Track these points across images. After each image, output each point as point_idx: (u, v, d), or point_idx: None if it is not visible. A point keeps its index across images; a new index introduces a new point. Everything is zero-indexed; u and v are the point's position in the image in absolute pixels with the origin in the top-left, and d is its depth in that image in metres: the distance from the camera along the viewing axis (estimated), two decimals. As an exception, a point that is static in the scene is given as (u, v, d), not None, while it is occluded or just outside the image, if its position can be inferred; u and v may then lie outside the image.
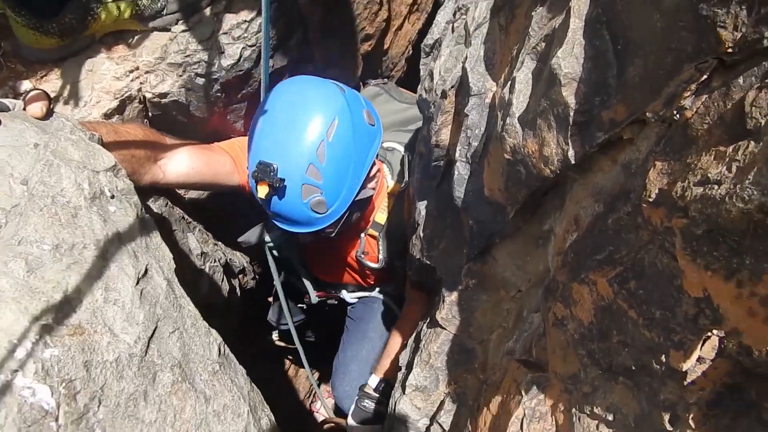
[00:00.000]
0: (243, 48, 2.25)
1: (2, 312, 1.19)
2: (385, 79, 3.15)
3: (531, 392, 1.25)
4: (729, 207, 0.58)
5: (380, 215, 2.62)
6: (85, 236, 1.36)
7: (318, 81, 2.23)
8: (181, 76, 2.22)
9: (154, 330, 1.43)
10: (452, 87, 1.42)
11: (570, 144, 0.91)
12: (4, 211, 1.31)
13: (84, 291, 1.32)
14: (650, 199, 0.74)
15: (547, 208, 1.25)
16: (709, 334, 0.67)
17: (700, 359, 0.70)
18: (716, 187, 0.61)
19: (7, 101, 1.48)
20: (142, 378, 1.38)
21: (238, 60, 2.26)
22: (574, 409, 1.07)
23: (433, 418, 1.93)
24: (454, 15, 1.46)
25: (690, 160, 0.68)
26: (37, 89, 1.53)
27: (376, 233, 2.63)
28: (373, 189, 2.46)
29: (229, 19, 2.22)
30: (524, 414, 1.23)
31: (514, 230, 1.47)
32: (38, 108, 1.48)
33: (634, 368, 0.84)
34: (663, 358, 0.74)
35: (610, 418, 0.96)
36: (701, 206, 0.62)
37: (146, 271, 1.45)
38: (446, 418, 1.84)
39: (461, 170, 1.38)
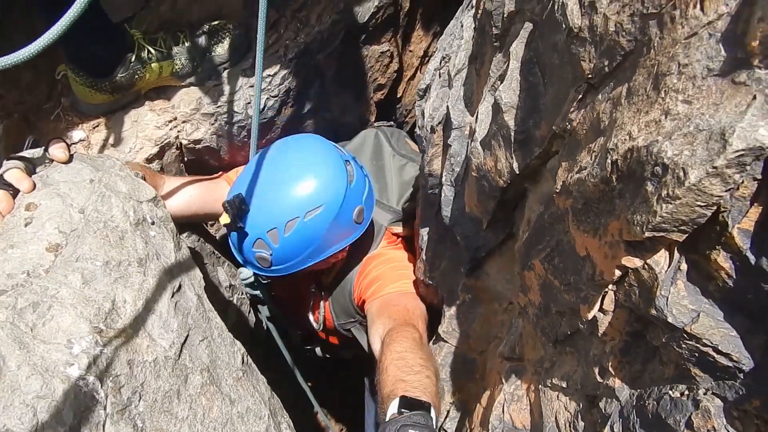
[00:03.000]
0: (267, 98, 2.54)
1: (62, 315, 1.43)
2: (391, 122, 3.15)
3: (510, 380, 1.42)
4: (588, 183, 0.79)
5: (326, 276, 2.63)
6: (130, 255, 1.61)
7: (334, 156, 2.20)
8: (213, 124, 2.52)
9: (186, 337, 1.65)
10: (439, 123, 1.66)
11: (514, 158, 1.13)
12: (65, 235, 1.57)
13: (128, 301, 1.55)
14: (557, 190, 0.95)
15: (517, 221, 1.45)
16: (607, 289, 0.87)
17: (604, 311, 0.89)
18: (584, 171, 0.82)
19: (28, 153, 1.70)
20: (176, 378, 1.60)
21: (263, 109, 2.56)
22: (540, 386, 1.25)
23: (440, 427, 2.08)
24: (440, 63, 1.71)
25: (577, 157, 0.89)
26: (58, 138, 1.74)
27: (319, 293, 2.64)
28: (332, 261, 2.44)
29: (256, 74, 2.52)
30: (505, 399, 1.40)
31: (498, 245, 1.66)
32: (62, 153, 1.70)
33: (569, 333, 1.02)
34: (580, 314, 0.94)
35: (564, 385, 1.14)
36: (578, 187, 0.84)
37: (180, 286, 1.69)
38: (451, 425, 2.00)
39: (447, 193, 1.60)
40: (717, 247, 0.70)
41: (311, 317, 2.70)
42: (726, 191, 0.65)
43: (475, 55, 1.56)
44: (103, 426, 1.42)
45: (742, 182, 0.65)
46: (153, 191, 1.77)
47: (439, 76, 1.72)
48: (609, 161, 0.77)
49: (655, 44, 0.73)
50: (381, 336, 2.01)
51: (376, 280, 2.38)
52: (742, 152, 0.62)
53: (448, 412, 2.07)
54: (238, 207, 2.08)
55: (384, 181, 2.67)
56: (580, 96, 0.92)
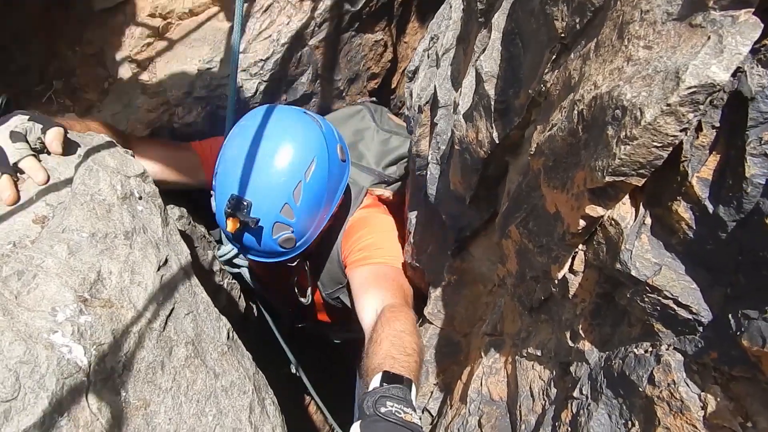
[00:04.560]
0: (259, 83, 2.56)
1: (47, 284, 1.45)
2: (374, 98, 3.13)
3: (489, 353, 1.44)
4: (557, 138, 0.81)
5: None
6: (116, 228, 1.62)
7: (297, 115, 2.19)
8: (204, 108, 2.53)
9: (172, 310, 1.66)
10: (427, 102, 1.68)
11: (494, 128, 1.15)
12: (52, 207, 1.59)
13: (114, 272, 1.57)
14: (532, 152, 0.96)
15: (500, 198, 1.47)
16: (577, 250, 0.88)
17: (574, 272, 0.91)
18: (554, 128, 0.84)
19: (21, 128, 1.64)
20: (160, 350, 1.61)
21: (254, 93, 2.57)
22: (517, 356, 1.27)
23: (424, 408, 2.10)
24: (429, 44, 1.73)
25: (550, 117, 0.91)
26: (58, 125, 1.71)
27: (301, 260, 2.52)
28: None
29: (248, 59, 2.54)
30: (483, 372, 1.42)
31: (483, 225, 1.68)
32: (58, 147, 1.67)
33: (543, 298, 1.04)
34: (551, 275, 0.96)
35: (539, 353, 1.16)
36: (549, 144, 0.85)
37: (166, 260, 1.70)
38: (434, 405, 2.01)
39: (433, 171, 1.62)
40: (678, 197, 0.72)
41: (298, 292, 2.62)
42: (680, 131, 0.67)
43: (462, 36, 1.58)
44: (86, 393, 1.43)
45: (701, 130, 0.66)
46: (141, 167, 1.79)
47: (428, 57, 1.73)
48: (576, 112, 0.79)
49: (622, -4, 0.75)
50: (376, 308, 2.03)
51: (367, 245, 2.33)
52: (694, 89, 0.64)
53: (432, 392, 2.08)
54: (242, 206, 2.02)
55: (364, 149, 2.67)
56: (554, 57, 0.93)
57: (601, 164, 0.74)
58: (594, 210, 0.80)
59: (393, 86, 3.54)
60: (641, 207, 0.77)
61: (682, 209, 0.71)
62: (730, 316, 0.66)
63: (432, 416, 2.07)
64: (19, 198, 1.58)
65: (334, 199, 2.26)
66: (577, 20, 0.85)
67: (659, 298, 0.75)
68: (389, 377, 1.58)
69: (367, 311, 2.07)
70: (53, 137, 1.66)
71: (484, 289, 1.85)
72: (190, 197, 2.66)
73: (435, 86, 1.60)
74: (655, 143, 0.68)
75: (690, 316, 0.73)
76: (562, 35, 0.89)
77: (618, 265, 0.78)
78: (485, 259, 1.79)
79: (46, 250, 1.49)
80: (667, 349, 0.78)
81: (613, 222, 0.79)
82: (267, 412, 1.89)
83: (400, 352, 1.72)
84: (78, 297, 1.47)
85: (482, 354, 1.44)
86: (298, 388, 3.58)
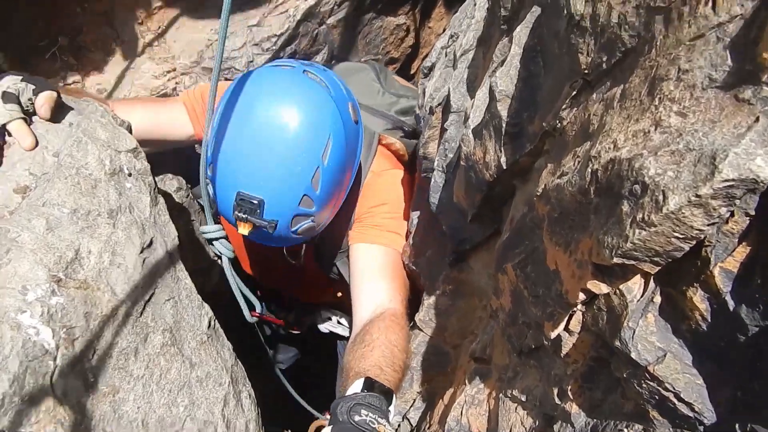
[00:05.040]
0: (269, 59, 2.45)
1: (20, 260, 1.38)
2: (377, 57, 2.84)
3: (474, 382, 1.37)
4: (565, 191, 0.71)
5: None
6: (100, 205, 1.54)
7: (301, 83, 1.79)
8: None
9: (152, 295, 1.60)
10: (439, 104, 1.58)
11: (503, 152, 1.05)
12: (35, 177, 1.51)
13: (93, 252, 1.50)
14: (538, 193, 0.87)
15: (504, 218, 1.38)
16: (575, 309, 0.80)
17: (570, 332, 0.82)
18: (565, 177, 0.74)
19: (13, 87, 1.55)
20: (135, 336, 1.55)
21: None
22: (501, 394, 1.19)
23: (404, 416, 2.04)
24: (448, 41, 1.62)
25: (563, 161, 0.81)
26: (52, 88, 1.61)
27: None
28: None
29: (262, 32, 2.43)
30: (465, 401, 1.35)
31: (485, 240, 1.59)
32: (47, 112, 1.57)
33: (533, 347, 0.96)
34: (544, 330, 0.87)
35: (524, 399, 1.08)
36: (556, 193, 0.76)
37: (151, 243, 1.63)
38: (415, 415, 1.95)
39: (437, 179, 1.52)
40: (695, 284, 0.62)
41: (288, 255, 2.31)
42: (709, 225, 0.57)
43: (484, 38, 1.47)
44: (51, 377, 1.37)
45: (732, 216, 0.57)
46: (134, 142, 1.70)
47: (445, 56, 1.63)
48: (590, 170, 0.69)
49: (658, 43, 0.65)
50: (376, 302, 1.93)
51: (382, 224, 2.10)
52: (732, 182, 0.54)
53: (414, 401, 2.02)
54: (254, 206, 1.77)
55: (370, 102, 2.33)
56: (574, 93, 0.83)
57: (610, 241, 0.65)
58: (597, 286, 0.71)
59: (412, 72, 3.43)
60: (652, 282, 0.68)
61: (698, 298, 0.62)
62: (737, 426, 0.58)
63: (411, 426, 2.01)
64: (1, 161, 1.51)
65: (352, 170, 1.98)
66: (605, 58, 0.75)
67: (659, 388, 0.66)
68: (370, 385, 1.53)
69: (366, 299, 1.98)
70: (44, 101, 1.58)
71: (480, 303, 1.78)
72: (190, 166, 2.57)
73: (449, 89, 1.50)
74: (676, 234, 0.59)
75: (691, 414, 0.65)
76: (586, 71, 0.79)
77: (617, 343, 0.69)
78: (484, 272, 1.71)
79: (23, 224, 1.42)
80: (661, 438, 0.70)
81: (618, 292, 0.70)
82: (242, 405, 1.83)
83: (388, 365, 1.67)
84: (51, 276, 1.40)
85: (467, 380, 1.36)
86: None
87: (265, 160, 1.75)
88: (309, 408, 3.00)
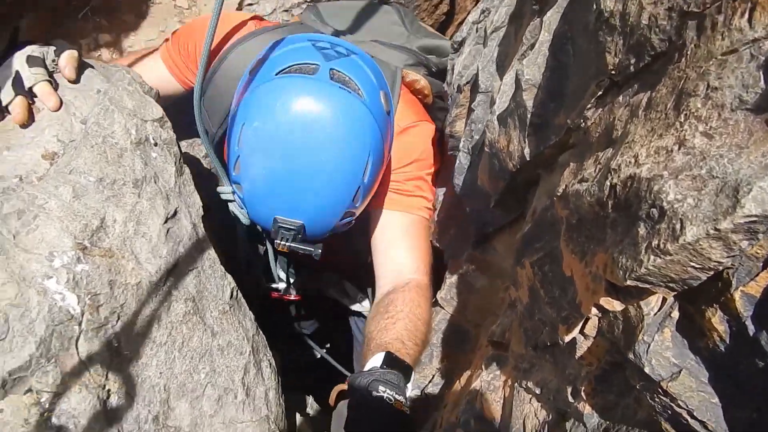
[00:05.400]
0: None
1: (47, 227, 1.40)
2: None
3: (490, 368, 1.36)
4: (584, 199, 0.68)
5: None
6: (126, 174, 1.56)
7: (338, 104, 1.62)
8: (243, 45, 2.41)
9: (175, 265, 1.62)
10: (467, 83, 1.53)
11: (527, 143, 1.01)
12: (63, 144, 1.53)
13: (118, 221, 1.52)
14: (558, 194, 0.84)
15: (529, 204, 1.35)
16: (590, 315, 0.77)
17: (585, 335, 0.80)
18: (585, 183, 0.71)
19: (38, 51, 1.56)
20: (158, 304, 1.58)
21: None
22: (516, 384, 1.18)
23: (422, 390, 2.06)
24: (480, 16, 1.56)
25: (585, 163, 0.78)
26: (72, 48, 1.61)
27: None
28: None
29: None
30: (480, 386, 1.35)
31: (509, 223, 1.56)
32: (72, 72, 1.58)
33: (549, 344, 0.94)
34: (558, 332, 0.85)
35: (538, 391, 1.07)
36: (575, 199, 0.73)
37: (175, 213, 1.64)
38: (433, 390, 1.97)
39: (462, 160, 1.49)
40: (714, 305, 0.59)
41: None
42: (728, 258, 0.54)
43: (516, 14, 1.41)
44: (76, 341, 1.41)
45: (758, 240, 0.53)
46: (160, 111, 1.70)
47: (476, 31, 1.57)
48: (609, 183, 0.65)
49: (689, 52, 0.60)
50: (400, 269, 1.87)
51: (411, 189, 1.96)
52: (755, 218, 0.50)
53: (433, 377, 2.03)
54: (294, 231, 1.70)
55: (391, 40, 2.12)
56: (601, 92, 0.79)
57: (624, 262, 0.62)
58: (610, 303, 0.68)
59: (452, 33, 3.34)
60: (671, 297, 0.65)
61: (717, 320, 0.59)
62: (752, 452, 0.56)
63: (428, 400, 2.03)
64: (30, 121, 1.52)
65: (388, 154, 1.85)
66: (632, 61, 0.70)
67: (672, 404, 0.64)
68: (390, 361, 1.52)
69: (389, 268, 1.92)
70: (67, 61, 1.59)
71: (502, 285, 1.76)
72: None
73: (478, 68, 1.45)
74: (693, 264, 0.56)
75: (704, 432, 0.63)
76: (613, 72, 0.74)
77: (631, 356, 0.67)
78: (508, 255, 1.69)
79: (50, 191, 1.45)
80: (672, 452, 0.68)
81: (635, 304, 0.68)
82: (262, 374, 1.87)
83: (410, 339, 1.65)
84: (77, 244, 1.43)
85: (483, 366, 1.36)
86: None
87: (303, 188, 1.67)
88: (336, 364, 3.03)
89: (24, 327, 1.33)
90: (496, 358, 1.35)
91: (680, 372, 0.63)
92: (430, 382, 2.01)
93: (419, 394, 2.11)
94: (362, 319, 2.73)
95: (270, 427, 1.86)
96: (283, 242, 1.69)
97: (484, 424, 1.29)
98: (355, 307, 2.71)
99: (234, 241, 2.30)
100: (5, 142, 1.49)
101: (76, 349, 1.42)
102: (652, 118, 0.64)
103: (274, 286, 2.55)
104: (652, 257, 0.58)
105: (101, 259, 1.47)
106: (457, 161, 1.52)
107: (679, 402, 0.63)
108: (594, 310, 0.71)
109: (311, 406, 2.72)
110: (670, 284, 0.59)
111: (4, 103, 1.49)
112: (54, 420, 1.39)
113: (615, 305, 0.68)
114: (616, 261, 0.63)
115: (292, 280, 2.56)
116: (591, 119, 0.81)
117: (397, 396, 1.40)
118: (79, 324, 1.42)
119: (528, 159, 1.03)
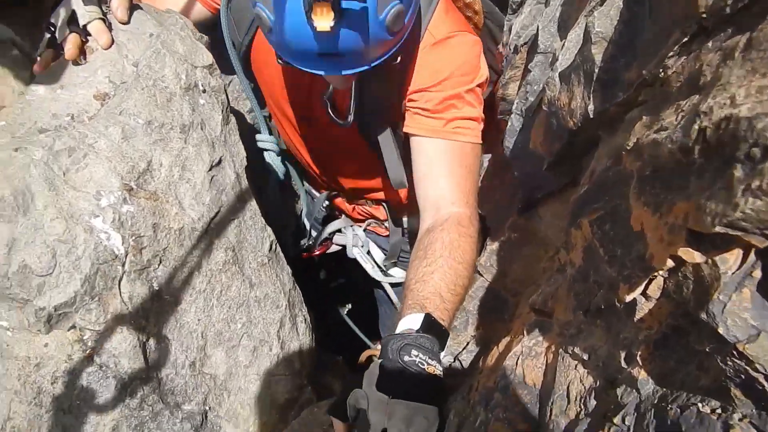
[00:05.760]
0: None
1: (96, 166, 1.41)
2: None
3: (532, 333, 1.33)
4: (664, 148, 0.64)
5: None
6: (174, 119, 1.55)
7: None
8: None
9: (217, 213, 1.62)
10: (525, 44, 1.47)
11: (591, 99, 0.96)
12: (114, 85, 1.52)
13: (164, 165, 1.52)
14: (628, 147, 0.79)
15: (583, 170, 1.30)
16: (656, 274, 0.73)
17: (647, 297, 0.76)
18: (663, 132, 0.66)
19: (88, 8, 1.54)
20: (199, 251, 1.58)
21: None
22: (561, 349, 1.15)
23: (456, 357, 2.04)
24: (542, -27, 1.50)
25: (662, 114, 0.73)
26: None
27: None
28: None
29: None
30: (521, 351, 1.32)
31: (559, 189, 1.52)
32: (123, 12, 1.58)
33: (602, 307, 0.90)
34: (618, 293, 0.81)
35: (586, 357, 1.04)
36: (651, 149, 0.68)
37: (220, 161, 1.64)
38: (467, 357, 1.95)
39: (515, 122, 1.44)
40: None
41: (330, 110, 1.90)
42: None
43: (582, -29, 1.35)
44: (119, 282, 1.43)
45: None
46: (210, 58, 1.69)
47: (537, -10, 1.51)
48: (697, 127, 0.61)
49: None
50: (440, 205, 1.72)
51: (447, 106, 1.75)
52: None
53: (468, 344, 2.01)
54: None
55: None
56: (686, 39, 0.74)
57: (714, 207, 0.58)
58: (690, 254, 0.64)
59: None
60: (752, 254, 0.61)
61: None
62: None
63: (462, 367, 2.01)
64: (82, 59, 1.52)
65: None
66: (730, 1, 0.65)
67: (747, 368, 0.60)
68: (428, 324, 1.48)
69: (427, 202, 1.77)
70: (119, 2, 1.58)
71: (545, 254, 1.72)
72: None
73: (538, 27, 1.39)
74: None
75: (781, 398, 0.59)
76: (704, 15, 0.69)
77: (704, 315, 0.63)
78: (554, 223, 1.65)
79: (100, 131, 1.45)
80: (740, 420, 0.64)
81: (710, 261, 0.63)
82: (297, 329, 1.87)
83: (449, 291, 1.56)
84: (124, 185, 1.43)
85: (525, 332, 1.33)
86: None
87: None
88: (362, 336, 3.04)
89: (70, 263, 1.35)
90: (539, 324, 1.32)
91: (759, 334, 0.60)
92: (464, 349, 1.99)
93: (452, 360, 2.09)
94: (385, 293, 2.68)
95: (303, 382, 1.87)
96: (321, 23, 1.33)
97: (525, 390, 1.26)
98: (378, 276, 2.62)
99: (266, 203, 2.21)
100: (59, 80, 1.50)
101: (119, 289, 1.43)
102: (752, 58, 0.59)
103: (302, 242, 2.54)
104: (750, 199, 0.54)
105: (146, 201, 1.47)
106: (509, 123, 1.47)
107: (756, 365, 0.59)
108: (669, 263, 0.67)
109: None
110: (766, 231, 0.55)
111: (59, 40, 1.50)
112: (96, 358, 1.42)
113: (695, 256, 0.64)
114: (702, 207, 0.59)
115: (315, 234, 2.54)
116: (672, 68, 0.76)
117: (429, 360, 1.37)
118: (123, 264, 1.43)
119: (591, 117, 0.98)
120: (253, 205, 1.74)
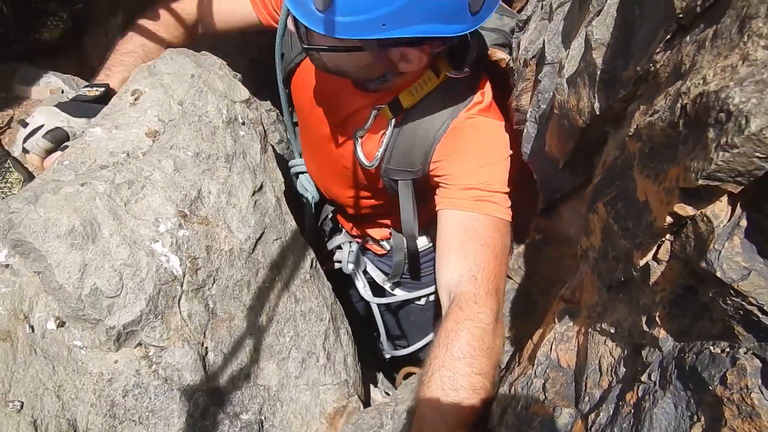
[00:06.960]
0: None
1: (153, 195, 1.56)
2: None
3: (563, 320, 1.43)
4: (657, 127, 0.76)
5: (407, 96, 1.82)
6: (219, 150, 1.70)
7: None
8: None
9: (262, 234, 1.75)
10: (533, 57, 1.60)
11: (596, 98, 1.09)
12: (164, 123, 1.69)
13: (213, 192, 1.66)
14: (630, 133, 0.91)
15: (596, 166, 1.41)
16: (663, 239, 0.84)
17: (658, 260, 0.87)
18: (656, 114, 0.79)
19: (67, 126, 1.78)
20: (247, 270, 1.72)
21: None
22: (590, 329, 1.25)
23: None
24: (544, -7, 1.64)
25: (654, 101, 0.85)
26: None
27: (388, 116, 1.84)
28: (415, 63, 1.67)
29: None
30: (554, 337, 1.42)
31: (576, 188, 1.62)
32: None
33: (623, 279, 1.01)
34: (633, 261, 0.92)
35: (613, 331, 1.14)
36: (647, 130, 0.80)
37: (261, 186, 1.78)
38: (503, 358, 2.03)
39: (530, 129, 1.57)
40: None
41: (360, 150, 1.93)
42: None
43: (581, -13, 1.48)
44: (179, 301, 1.56)
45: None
46: (247, 93, 1.85)
47: (541, 8, 1.65)
48: (679, 105, 0.73)
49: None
50: (451, 285, 1.72)
51: (475, 184, 1.77)
52: None
53: (503, 344, 2.10)
54: None
55: None
56: (668, 36, 0.87)
57: (696, 165, 0.70)
58: (683, 209, 0.76)
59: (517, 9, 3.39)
60: (738, 207, 0.72)
61: (783, 223, 0.66)
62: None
63: (500, 368, 2.09)
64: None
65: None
66: (699, 2, 0.78)
67: (743, 303, 0.71)
68: None
69: (444, 270, 1.77)
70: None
71: (569, 251, 1.81)
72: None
73: (544, 41, 1.52)
74: (757, 154, 0.63)
75: (775, 326, 0.69)
76: (680, 15, 0.82)
77: (703, 264, 0.74)
78: (574, 221, 1.75)
79: (154, 164, 1.60)
80: (745, 353, 0.74)
81: (705, 218, 0.74)
82: (341, 340, 1.98)
83: (446, 394, 1.55)
84: (179, 212, 1.58)
85: (556, 319, 1.42)
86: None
87: None
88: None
89: (135, 285, 1.49)
90: (569, 311, 1.42)
91: (749, 273, 0.70)
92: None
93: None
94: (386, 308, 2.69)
95: (349, 391, 1.97)
96: None
97: (561, 372, 1.35)
98: (368, 296, 2.61)
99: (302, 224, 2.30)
100: (114, 121, 1.66)
101: (179, 307, 1.57)
102: (717, 44, 0.72)
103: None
104: (720, 153, 0.66)
105: (199, 226, 1.61)
106: (525, 131, 1.59)
107: (750, 299, 0.69)
108: (668, 219, 0.78)
109: (381, 381, 2.82)
110: (738, 178, 0.67)
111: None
112: (161, 372, 1.54)
113: (688, 210, 0.75)
114: (688, 167, 0.71)
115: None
116: (660, 62, 0.89)
117: None
118: (181, 285, 1.57)
119: (598, 113, 1.10)
120: (293, 225, 1.87)
